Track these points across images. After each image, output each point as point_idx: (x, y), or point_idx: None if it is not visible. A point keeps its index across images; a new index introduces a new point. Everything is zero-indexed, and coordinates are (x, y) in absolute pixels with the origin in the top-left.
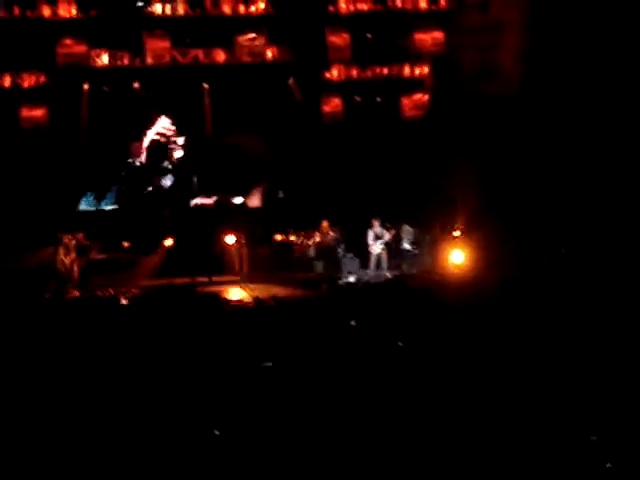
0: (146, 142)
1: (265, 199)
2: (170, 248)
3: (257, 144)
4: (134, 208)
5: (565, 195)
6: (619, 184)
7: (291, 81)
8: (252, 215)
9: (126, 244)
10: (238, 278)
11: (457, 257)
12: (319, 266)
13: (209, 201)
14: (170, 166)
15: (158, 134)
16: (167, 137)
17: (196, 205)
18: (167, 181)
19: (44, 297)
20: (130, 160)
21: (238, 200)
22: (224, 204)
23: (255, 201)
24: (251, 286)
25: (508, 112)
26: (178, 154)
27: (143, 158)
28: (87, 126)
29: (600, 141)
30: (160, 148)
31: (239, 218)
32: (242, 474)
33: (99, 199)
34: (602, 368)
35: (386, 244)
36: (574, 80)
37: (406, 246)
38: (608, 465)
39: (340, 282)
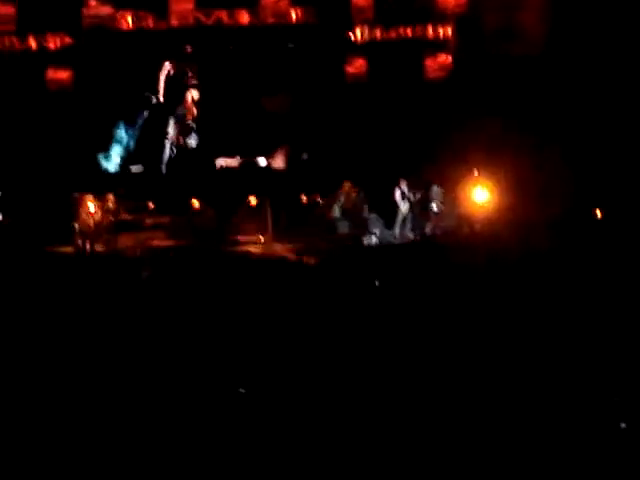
0: (162, 80)
1: (289, 161)
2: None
3: (280, 103)
4: (160, 168)
5: (589, 155)
6: None
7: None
8: (277, 177)
9: (151, 205)
10: (263, 239)
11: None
12: (343, 226)
13: (234, 162)
14: (194, 125)
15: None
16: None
17: (221, 167)
18: (192, 141)
19: (68, 254)
20: (147, 94)
21: (262, 161)
22: (249, 165)
23: (279, 162)
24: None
25: (531, 73)
26: (195, 94)
27: (161, 97)
28: (112, 88)
29: (623, 101)
30: (175, 83)
31: (264, 180)
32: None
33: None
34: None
35: (412, 204)
36: (597, 40)
37: (434, 207)
38: (623, 425)
39: (364, 242)
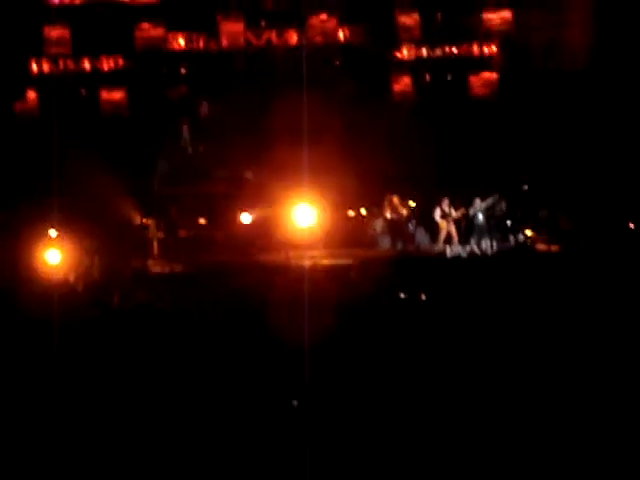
0: None
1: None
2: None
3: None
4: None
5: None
6: None
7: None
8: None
9: (202, 221)
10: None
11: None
12: (385, 242)
13: None
14: None
15: None
16: None
17: None
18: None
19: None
20: None
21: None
22: None
23: None
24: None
25: (576, 87)
26: None
27: None
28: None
29: None
30: None
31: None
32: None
33: None
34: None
35: (455, 221)
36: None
37: (480, 220)
38: None
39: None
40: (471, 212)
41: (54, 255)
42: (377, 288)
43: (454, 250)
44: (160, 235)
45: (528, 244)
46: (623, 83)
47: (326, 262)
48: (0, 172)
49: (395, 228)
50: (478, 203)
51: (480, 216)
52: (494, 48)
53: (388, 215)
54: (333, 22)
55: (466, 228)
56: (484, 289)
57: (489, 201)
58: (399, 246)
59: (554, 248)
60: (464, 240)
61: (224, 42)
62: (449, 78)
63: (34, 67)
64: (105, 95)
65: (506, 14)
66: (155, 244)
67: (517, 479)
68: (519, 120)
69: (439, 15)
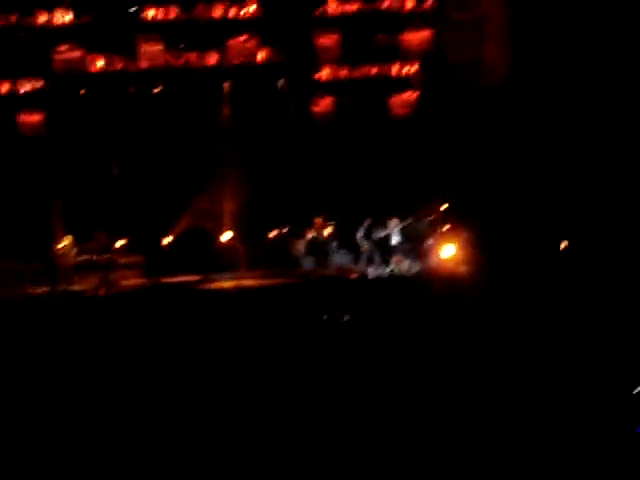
0: None
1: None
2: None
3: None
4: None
5: (556, 185)
6: (610, 172)
7: (281, 82)
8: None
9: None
10: (235, 276)
11: (447, 251)
12: (308, 261)
13: None
14: None
15: None
16: None
17: None
18: None
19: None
20: None
21: None
22: None
23: None
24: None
25: (495, 103)
26: None
27: None
28: (85, 130)
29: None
30: None
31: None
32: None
33: None
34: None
35: (377, 242)
36: (558, 66)
37: (396, 242)
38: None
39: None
40: (391, 233)
41: None
42: (298, 309)
43: (375, 271)
44: (77, 258)
45: (445, 265)
46: (541, 98)
47: (247, 283)
48: None
49: (317, 249)
50: (397, 223)
51: (399, 237)
52: (415, 67)
53: (310, 235)
54: (252, 43)
55: (387, 249)
56: (404, 309)
57: (408, 221)
58: (321, 267)
59: (473, 269)
60: (385, 261)
61: (143, 63)
62: (369, 98)
63: None
64: (23, 118)
65: (425, 33)
66: (70, 267)
67: None
68: (441, 138)
69: (359, 35)
